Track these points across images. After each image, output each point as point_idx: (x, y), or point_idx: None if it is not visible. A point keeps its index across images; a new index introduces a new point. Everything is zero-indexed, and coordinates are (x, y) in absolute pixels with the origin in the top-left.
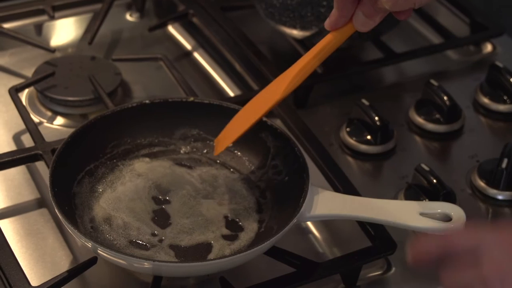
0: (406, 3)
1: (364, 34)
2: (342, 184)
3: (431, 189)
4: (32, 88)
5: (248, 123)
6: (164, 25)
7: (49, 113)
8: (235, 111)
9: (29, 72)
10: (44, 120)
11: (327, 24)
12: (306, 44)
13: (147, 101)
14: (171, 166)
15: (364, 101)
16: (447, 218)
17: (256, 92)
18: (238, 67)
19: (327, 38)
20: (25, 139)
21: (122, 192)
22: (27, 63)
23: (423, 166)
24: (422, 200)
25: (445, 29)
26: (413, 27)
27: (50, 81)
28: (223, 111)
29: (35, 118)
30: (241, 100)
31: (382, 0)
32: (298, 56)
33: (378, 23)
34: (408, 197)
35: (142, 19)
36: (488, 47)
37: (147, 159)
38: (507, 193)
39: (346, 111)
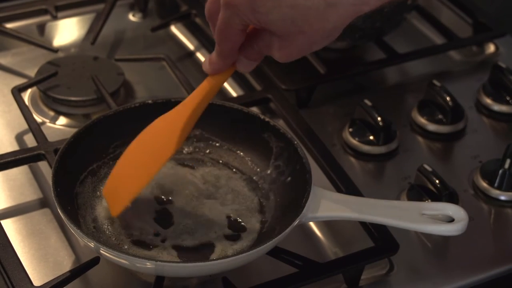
0: (298, 56)
1: (367, 35)
2: (345, 185)
3: (434, 190)
4: (34, 88)
5: (143, 181)
6: (166, 25)
7: (51, 113)
8: (238, 111)
9: (31, 72)
10: (47, 120)
11: (208, 70)
12: None
13: (149, 101)
14: (174, 166)
15: (366, 101)
16: (450, 219)
17: (259, 93)
18: None
19: (208, 84)
20: (28, 139)
21: None
22: (30, 63)
23: (426, 166)
24: (424, 200)
25: (448, 30)
26: (415, 28)
27: (53, 81)
28: (225, 111)
29: (38, 118)
30: (244, 100)
31: (276, 56)
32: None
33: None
34: (410, 198)
35: (144, 19)
36: (491, 48)
37: None
38: (510, 193)
39: (348, 112)
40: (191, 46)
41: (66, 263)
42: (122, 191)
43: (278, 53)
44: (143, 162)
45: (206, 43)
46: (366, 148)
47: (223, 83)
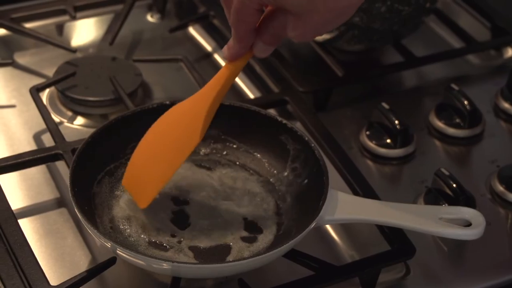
0: (313, 36)
1: (384, 38)
2: (362, 188)
3: (451, 194)
4: (53, 88)
5: (169, 172)
6: (184, 26)
7: (69, 113)
8: (255, 113)
9: (50, 72)
10: (65, 120)
11: (227, 56)
12: (326, 46)
13: (167, 102)
14: (191, 167)
15: (384, 104)
16: (467, 223)
17: (276, 95)
18: (258, 69)
19: (227, 70)
20: (46, 139)
21: None
22: (48, 63)
23: (443, 170)
24: (441, 204)
25: (466, 34)
26: (434, 31)
27: (71, 81)
28: (243, 113)
29: (56, 118)
30: (261, 102)
31: (291, 36)
32: (318, 58)
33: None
34: (427, 202)
35: (163, 20)
36: (509, 52)
37: None
38: None
39: (366, 115)
40: (209, 47)
41: (82, 263)
42: (147, 182)
43: (293, 33)
44: (166, 152)
45: (223, 44)
46: (383, 151)
47: (241, 69)
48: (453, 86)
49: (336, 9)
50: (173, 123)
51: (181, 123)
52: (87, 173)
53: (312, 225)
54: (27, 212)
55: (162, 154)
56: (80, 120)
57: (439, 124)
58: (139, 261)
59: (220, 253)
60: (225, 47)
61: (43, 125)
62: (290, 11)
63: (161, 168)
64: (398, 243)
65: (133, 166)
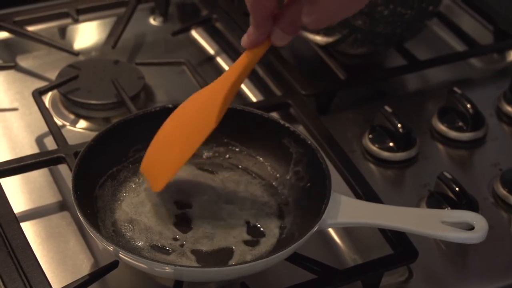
0: (328, 22)
1: (387, 41)
2: (364, 191)
3: (454, 198)
4: (55, 91)
5: (184, 155)
6: (187, 29)
7: (72, 116)
8: (258, 116)
9: (52, 75)
10: (67, 123)
11: (246, 43)
12: (329, 50)
13: (170, 106)
14: (194, 170)
15: (387, 108)
16: (470, 227)
17: (279, 98)
18: (261, 72)
19: (245, 58)
20: (48, 142)
21: (145, 196)
22: (51, 66)
23: (446, 174)
24: (444, 208)
25: (469, 37)
26: (436, 35)
27: (74, 84)
28: (245, 117)
29: (58, 121)
30: (264, 106)
31: (306, 23)
32: (320, 62)
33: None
34: (430, 205)
35: (165, 24)
36: None
37: None
38: None
39: (368, 118)
40: (211, 51)
41: (85, 267)
42: (163, 166)
43: (307, 19)
44: (183, 137)
45: (226, 47)
46: (386, 154)
47: (260, 57)
48: (456, 89)
49: None
50: (191, 109)
51: (199, 109)
52: (89, 177)
53: (315, 228)
54: (29, 215)
55: (178, 139)
56: (82, 123)
57: (442, 128)
58: (141, 264)
59: (222, 256)
60: (245, 35)
61: (45, 128)
62: None
63: (177, 153)
64: (401, 246)
65: (151, 151)
